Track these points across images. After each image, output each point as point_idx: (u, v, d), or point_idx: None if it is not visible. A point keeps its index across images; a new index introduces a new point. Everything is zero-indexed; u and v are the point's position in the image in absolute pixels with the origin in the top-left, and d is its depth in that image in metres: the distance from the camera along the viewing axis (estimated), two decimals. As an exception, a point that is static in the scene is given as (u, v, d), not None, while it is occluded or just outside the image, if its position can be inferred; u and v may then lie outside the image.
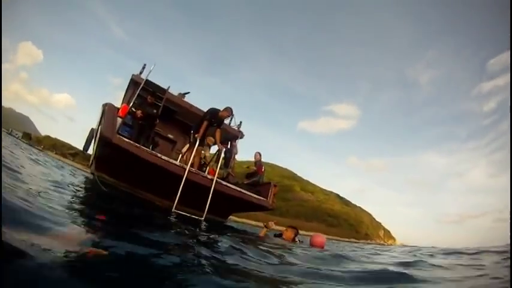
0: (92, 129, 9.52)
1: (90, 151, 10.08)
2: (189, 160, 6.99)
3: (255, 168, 9.66)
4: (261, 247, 3.72)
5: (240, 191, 7.49)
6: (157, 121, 8.58)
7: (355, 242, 47.21)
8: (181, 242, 2.89)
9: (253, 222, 28.99)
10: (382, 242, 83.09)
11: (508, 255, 3.59)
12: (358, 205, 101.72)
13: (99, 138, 7.14)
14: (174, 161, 6.80)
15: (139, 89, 7.95)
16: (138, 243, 2.04)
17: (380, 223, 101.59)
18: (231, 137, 9.83)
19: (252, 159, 10.10)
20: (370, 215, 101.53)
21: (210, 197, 6.60)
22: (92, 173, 10.56)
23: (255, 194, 7.86)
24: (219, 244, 3.04)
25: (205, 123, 7.36)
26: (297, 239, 5.83)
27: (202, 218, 6.33)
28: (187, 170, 6.53)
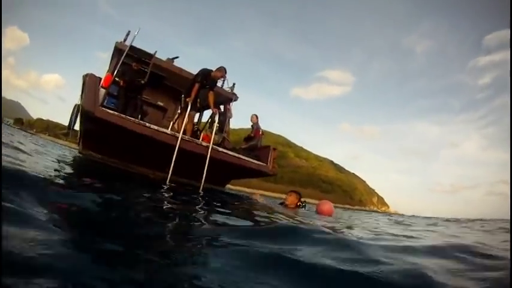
0: (76, 104, 8.81)
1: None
2: (181, 127, 6.41)
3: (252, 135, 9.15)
4: (262, 215, 3.46)
5: (238, 157, 6.97)
6: (145, 88, 7.99)
7: (350, 209, 47.98)
8: (176, 218, 2.49)
9: (248, 190, 28.86)
10: (375, 208, 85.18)
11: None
12: (351, 171, 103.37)
13: (81, 112, 6.53)
14: (164, 130, 6.21)
15: (124, 55, 7.21)
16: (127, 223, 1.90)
17: (373, 190, 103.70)
18: (225, 99, 9.18)
19: (246, 126, 9.62)
20: (363, 181, 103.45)
21: (206, 165, 6.08)
22: (80, 152, 9.99)
23: (253, 159, 7.35)
24: (218, 218, 2.69)
25: (196, 85, 6.68)
26: (300, 204, 5.46)
27: (200, 189, 5.82)
28: (179, 138, 5.96)
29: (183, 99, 6.85)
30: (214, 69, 7.02)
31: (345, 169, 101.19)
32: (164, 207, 2.98)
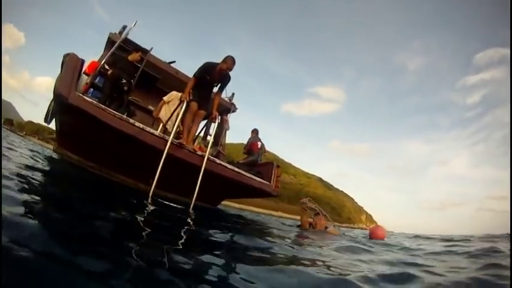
0: None
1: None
2: (185, 133, 5.37)
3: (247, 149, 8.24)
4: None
5: (239, 173, 5.89)
6: (134, 87, 6.91)
7: (340, 226, 47.15)
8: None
9: (237, 205, 27.69)
10: (364, 226, 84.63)
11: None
12: (340, 189, 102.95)
13: (54, 98, 5.35)
14: (152, 130, 5.10)
15: (116, 46, 6.26)
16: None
17: (362, 207, 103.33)
18: (222, 109, 8.22)
19: (239, 142, 8.74)
20: (352, 199, 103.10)
21: (200, 178, 4.96)
22: (55, 151, 8.86)
23: (255, 175, 6.33)
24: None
25: (192, 80, 5.42)
26: (328, 226, 5.12)
27: (190, 207, 4.74)
28: (169, 141, 4.83)
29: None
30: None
31: (333, 186, 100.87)
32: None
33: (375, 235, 5.31)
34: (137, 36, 7.36)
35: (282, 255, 2.54)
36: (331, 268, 2.22)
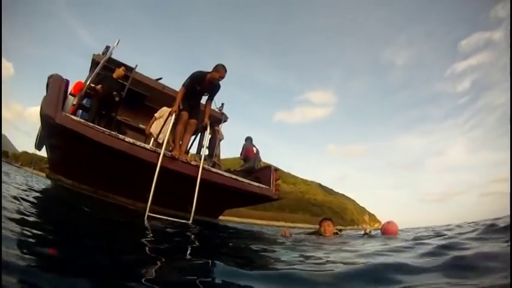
0: None
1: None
2: (177, 145, 5.22)
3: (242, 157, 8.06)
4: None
5: (236, 179, 5.70)
6: (121, 105, 6.84)
7: (343, 229, 46.91)
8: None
9: (237, 219, 27.27)
10: (368, 226, 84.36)
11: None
12: (340, 192, 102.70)
13: (41, 120, 5.13)
14: (142, 144, 4.93)
15: (100, 66, 6.20)
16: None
17: (364, 208, 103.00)
18: (213, 120, 8.07)
19: (233, 156, 8.60)
20: (353, 201, 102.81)
21: (196, 189, 4.72)
22: (48, 177, 8.62)
23: (254, 181, 6.14)
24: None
25: (182, 90, 5.21)
26: (336, 231, 4.74)
27: (190, 221, 4.52)
28: (161, 154, 4.63)
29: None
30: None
31: (333, 191, 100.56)
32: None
33: (388, 231, 5.02)
34: (122, 57, 7.35)
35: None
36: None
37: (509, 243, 2.39)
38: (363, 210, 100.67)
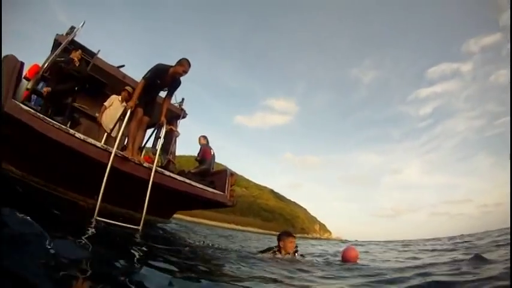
0: None
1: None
2: (132, 145, 4.92)
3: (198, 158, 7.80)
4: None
5: (190, 184, 5.50)
6: (79, 92, 6.57)
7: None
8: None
9: (188, 218, 26.74)
10: (318, 235, 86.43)
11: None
12: (292, 200, 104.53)
13: None
14: (93, 141, 4.56)
15: (61, 48, 5.83)
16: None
17: (315, 217, 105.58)
18: (172, 116, 7.83)
19: (189, 154, 8.37)
20: (305, 209, 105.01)
21: (148, 193, 4.53)
22: None
23: (208, 186, 5.95)
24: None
25: (141, 83, 4.94)
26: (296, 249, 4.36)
27: (140, 227, 4.30)
28: (112, 153, 4.36)
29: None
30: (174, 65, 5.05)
31: (285, 198, 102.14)
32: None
33: (349, 258, 4.84)
34: (91, 43, 6.97)
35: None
36: None
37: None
38: (313, 220, 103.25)
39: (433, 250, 5.10)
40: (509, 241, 4.75)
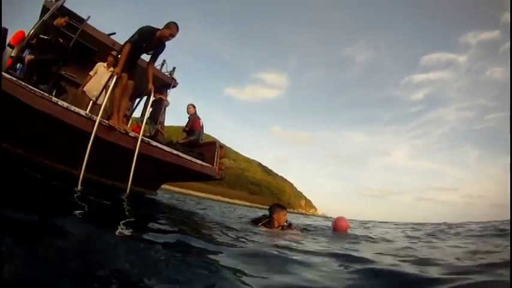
0: None
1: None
2: (116, 114, 4.72)
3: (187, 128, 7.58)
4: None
5: (177, 156, 5.36)
6: (66, 60, 6.17)
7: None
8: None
9: (177, 189, 26.77)
10: (303, 211, 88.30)
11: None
12: (279, 174, 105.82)
13: None
14: (77, 109, 4.33)
15: (48, 15, 5.55)
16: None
17: (301, 193, 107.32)
18: (162, 85, 7.58)
19: (178, 124, 8.27)
20: (291, 184, 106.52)
21: (134, 163, 4.41)
22: None
23: (196, 158, 5.84)
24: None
25: (127, 46, 4.67)
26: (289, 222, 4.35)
27: (125, 195, 4.23)
28: (96, 122, 4.18)
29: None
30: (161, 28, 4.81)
31: (273, 172, 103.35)
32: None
33: (339, 227, 5.02)
34: (81, 10, 6.64)
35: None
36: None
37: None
38: (300, 195, 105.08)
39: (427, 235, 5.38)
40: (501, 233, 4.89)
